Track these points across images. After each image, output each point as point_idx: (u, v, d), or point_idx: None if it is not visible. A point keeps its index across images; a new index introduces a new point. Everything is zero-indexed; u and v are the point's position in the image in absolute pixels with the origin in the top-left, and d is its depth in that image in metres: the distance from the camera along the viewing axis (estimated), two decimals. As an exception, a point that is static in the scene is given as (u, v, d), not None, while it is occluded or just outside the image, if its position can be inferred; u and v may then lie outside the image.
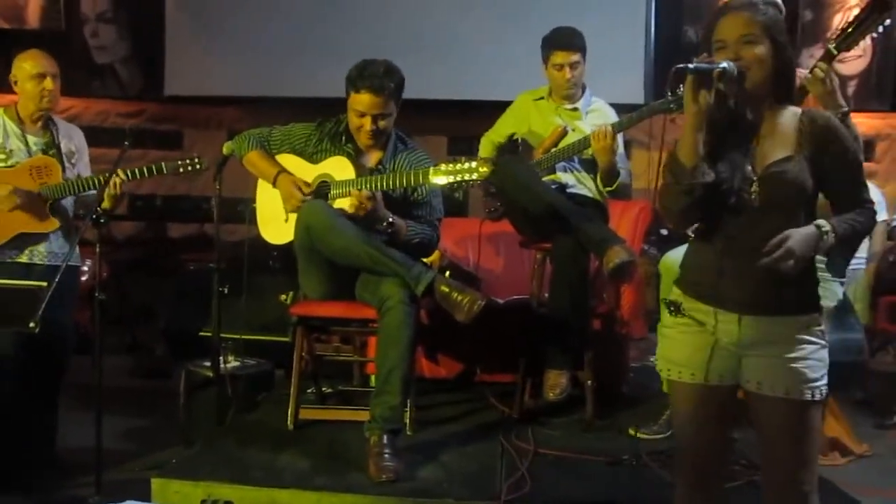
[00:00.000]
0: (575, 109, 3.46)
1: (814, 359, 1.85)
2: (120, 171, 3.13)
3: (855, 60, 5.85)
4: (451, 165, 2.81)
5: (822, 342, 1.88)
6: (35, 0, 6.52)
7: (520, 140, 3.55)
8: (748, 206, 1.84)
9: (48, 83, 3.27)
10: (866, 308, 5.15)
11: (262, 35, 6.16)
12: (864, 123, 5.79)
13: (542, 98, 3.51)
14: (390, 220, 2.92)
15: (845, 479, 3.10)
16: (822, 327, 1.89)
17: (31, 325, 2.68)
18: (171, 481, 2.59)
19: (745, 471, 2.65)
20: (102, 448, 2.85)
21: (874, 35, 1.95)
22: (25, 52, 3.33)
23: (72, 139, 3.41)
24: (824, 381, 1.87)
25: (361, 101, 2.95)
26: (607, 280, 3.29)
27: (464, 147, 5.81)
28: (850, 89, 5.87)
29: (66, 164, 3.32)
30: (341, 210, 2.96)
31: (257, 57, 6.14)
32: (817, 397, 1.85)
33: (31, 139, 3.29)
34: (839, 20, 5.80)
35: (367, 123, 2.97)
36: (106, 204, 3.14)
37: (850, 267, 3.34)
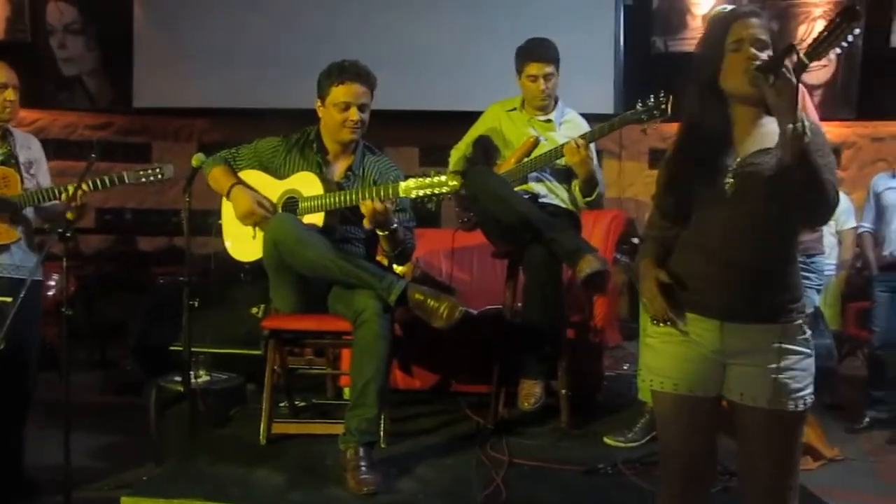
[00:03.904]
0: (548, 121, 3.47)
1: (798, 369, 1.84)
2: (83, 184, 3.08)
3: (820, 70, 5.96)
4: (421, 180, 2.83)
5: (808, 351, 1.87)
6: (0, 11, 6.45)
7: (490, 141, 3.54)
8: (722, 196, 1.83)
9: (9, 94, 3.22)
10: (836, 314, 5.23)
11: (232, 46, 6.15)
12: (830, 132, 5.89)
13: (514, 109, 3.52)
14: (395, 226, 2.91)
15: (817, 482, 3.14)
16: (808, 335, 1.88)
17: (-3, 341, 2.63)
18: (142, 500, 2.54)
19: (720, 477, 2.66)
20: (71, 466, 2.80)
21: (843, 45, 1.98)
22: None
23: (30, 149, 3.35)
24: (809, 390, 1.85)
25: (347, 91, 2.96)
26: (580, 289, 3.29)
27: (436, 157, 5.83)
28: (816, 98, 5.97)
29: (26, 175, 3.26)
30: (311, 225, 2.94)
31: (226, 68, 6.13)
32: (801, 408, 1.84)
33: None
34: (804, 31, 5.90)
35: (353, 114, 2.98)
36: (69, 215, 3.09)
37: (826, 262, 3.40)
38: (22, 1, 6.45)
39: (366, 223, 2.86)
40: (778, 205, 1.80)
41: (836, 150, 6.15)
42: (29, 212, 3.28)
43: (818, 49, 2.01)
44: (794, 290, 1.88)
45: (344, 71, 2.97)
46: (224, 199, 3.14)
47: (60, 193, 3.14)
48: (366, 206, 2.81)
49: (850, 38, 1.99)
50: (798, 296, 1.89)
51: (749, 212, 1.82)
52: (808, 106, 2.84)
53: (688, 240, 1.93)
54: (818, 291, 3.18)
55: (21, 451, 3.32)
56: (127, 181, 3.23)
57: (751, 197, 1.82)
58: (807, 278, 2.91)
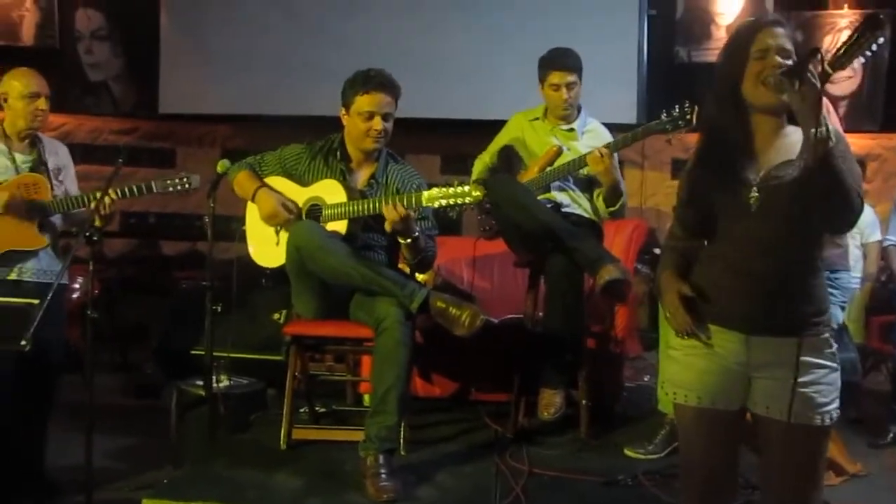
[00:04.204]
0: (571, 130, 3.47)
1: (824, 383, 1.83)
2: (110, 191, 3.11)
3: (845, 81, 5.90)
4: (443, 189, 2.83)
5: (834, 364, 1.85)
6: (30, 17, 6.54)
7: (513, 150, 3.54)
8: (746, 210, 1.83)
9: (41, 103, 3.25)
10: (860, 328, 5.16)
11: (256, 53, 6.19)
12: (855, 144, 5.83)
13: (537, 118, 3.52)
14: (416, 234, 2.91)
15: (840, 498, 3.10)
16: (834, 349, 1.87)
17: (23, 343, 2.66)
18: (162, 501, 2.56)
19: (743, 490, 2.64)
20: (93, 467, 2.82)
21: (868, 53, 1.97)
22: (16, 69, 3.31)
23: (58, 155, 3.39)
24: (835, 405, 1.84)
25: (371, 100, 2.97)
26: (601, 298, 3.28)
27: (457, 166, 5.83)
28: (841, 110, 5.92)
29: (54, 182, 3.30)
30: (334, 232, 2.96)
31: (250, 75, 6.17)
32: (827, 422, 1.82)
33: (18, 157, 3.26)
34: (830, 42, 5.85)
35: (377, 123, 2.98)
36: (97, 222, 3.12)
37: (852, 278, 3.35)
38: (52, 8, 6.53)
39: (387, 227, 2.86)
40: (802, 214, 1.78)
41: (861, 163, 6.07)
42: (57, 218, 3.32)
43: (842, 58, 2.00)
44: (820, 302, 1.87)
45: (369, 80, 2.98)
46: (248, 203, 3.16)
47: (89, 201, 3.17)
48: (388, 211, 2.82)
49: (874, 47, 1.98)
50: (824, 308, 1.87)
51: (774, 225, 1.81)
52: (832, 118, 2.82)
53: (711, 252, 1.92)
54: (842, 308, 3.13)
55: (43, 451, 3.35)
56: (155, 190, 3.26)
57: (775, 210, 1.80)
58: (831, 294, 2.87)
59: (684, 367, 1.94)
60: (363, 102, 2.98)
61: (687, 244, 1.99)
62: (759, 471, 1.97)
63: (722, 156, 1.87)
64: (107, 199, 3.08)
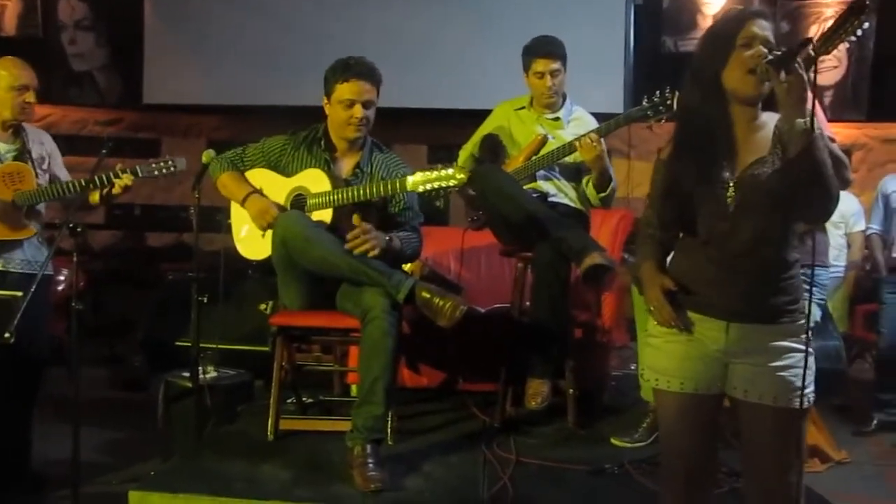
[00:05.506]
0: (556, 119, 3.47)
1: (801, 367, 1.86)
2: (123, 176, 3.13)
3: (830, 71, 5.92)
4: (428, 173, 2.83)
5: (809, 349, 1.88)
6: (12, 6, 6.48)
7: (499, 140, 3.54)
8: (724, 209, 1.85)
9: (29, 96, 3.24)
10: (844, 316, 5.21)
11: (241, 43, 6.16)
12: (840, 133, 5.86)
13: (523, 108, 3.52)
14: (387, 239, 2.91)
15: (825, 485, 3.12)
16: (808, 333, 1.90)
17: (6, 335, 2.64)
18: (149, 494, 2.55)
19: (727, 478, 2.66)
20: (79, 461, 2.81)
21: (853, 38, 1.99)
22: (5, 59, 3.28)
23: (42, 144, 3.37)
24: (811, 388, 1.88)
25: (352, 88, 2.96)
26: (585, 286, 3.29)
27: (443, 155, 5.80)
28: (827, 100, 5.94)
29: (38, 170, 3.28)
30: (320, 221, 2.95)
31: (236, 65, 6.14)
32: (805, 405, 1.86)
33: (1, 146, 3.24)
34: (816, 31, 5.87)
35: (358, 111, 2.97)
36: (94, 198, 3.11)
37: (830, 275, 3.37)
38: (34, -4, 6.48)
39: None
40: (780, 209, 1.81)
41: (847, 152, 6.09)
42: (41, 207, 3.30)
43: (826, 43, 2.02)
44: (796, 291, 1.90)
45: (349, 68, 2.97)
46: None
47: (76, 188, 3.16)
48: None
49: (858, 32, 2.01)
50: (799, 297, 1.91)
51: (752, 223, 1.84)
52: (817, 111, 2.83)
53: (690, 244, 1.94)
54: (819, 306, 3.15)
55: (29, 445, 3.34)
56: (140, 174, 3.24)
57: (753, 207, 1.83)
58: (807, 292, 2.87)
59: (665, 354, 1.96)
60: (343, 91, 2.97)
61: (665, 234, 2.00)
62: (741, 457, 1.99)
63: (700, 147, 1.88)
64: (126, 180, 3.09)
